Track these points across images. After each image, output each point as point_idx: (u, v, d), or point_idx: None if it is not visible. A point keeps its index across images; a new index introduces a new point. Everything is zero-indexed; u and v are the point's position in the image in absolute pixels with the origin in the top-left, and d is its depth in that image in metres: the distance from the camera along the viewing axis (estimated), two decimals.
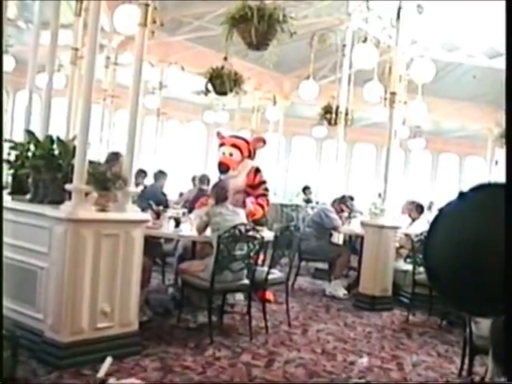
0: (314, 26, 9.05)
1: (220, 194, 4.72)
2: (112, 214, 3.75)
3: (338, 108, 8.88)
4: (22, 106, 5.46)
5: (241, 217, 4.70)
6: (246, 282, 4.56)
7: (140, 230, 3.90)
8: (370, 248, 6.12)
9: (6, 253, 3.47)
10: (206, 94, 7.24)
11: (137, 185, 6.69)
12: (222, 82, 6.89)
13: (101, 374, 3.23)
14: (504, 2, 2.08)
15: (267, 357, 4.13)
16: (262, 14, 4.64)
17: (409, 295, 5.85)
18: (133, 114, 3.95)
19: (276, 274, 5.11)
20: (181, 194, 9.30)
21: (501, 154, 11.52)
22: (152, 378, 3.49)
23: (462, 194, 1.81)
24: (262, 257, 4.92)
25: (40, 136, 4.27)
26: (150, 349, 3.97)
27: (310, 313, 5.68)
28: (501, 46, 10.05)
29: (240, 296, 5.42)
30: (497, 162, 12.76)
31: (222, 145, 5.97)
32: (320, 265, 7.85)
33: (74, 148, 3.75)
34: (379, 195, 6.62)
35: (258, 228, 4.72)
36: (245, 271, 4.53)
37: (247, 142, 6.01)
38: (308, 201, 11.78)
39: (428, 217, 6.94)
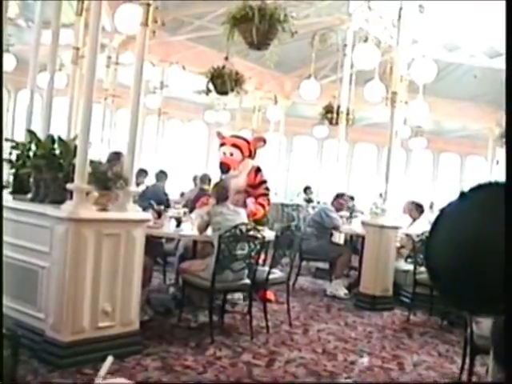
0: (315, 25, 9.05)
1: (221, 194, 4.73)
2: (113, 213, 3.76)
3: (339, 108, 8.89)
4: (24, 105, 5.46)
5: (242, 216, 4.71)
6: (247, 281, 4.56)
7: (141, 230, 3.90)
8: (371, 248, 6.12)
9: (7, 252, 3.49)
10: (207, 94, 7.24)
11: (138, 184, 6.71)
12: (223, 81, 6.89)
13: (102, 373, 3.23)
14: (504, 2, 2.08)
15: (268, 356, 4.13)
16: (263, 13, 4.65)
17: (409, 295, 5.84)
18: (134, 114, 3.96)
19: (277, 273, 5.10)
20: (182, 194, 9.31)
21: (501, 153, 11.52)
22: (153, 377, 3.50)
23: (462, 194, 1.81)
24: (262, 256, 4.92)
25: (41, 135, 4.28)
26: (151, 348, 3.97)
27: (311, 312, 5.67)
28: (501, 45, 10.04)
29: (239, 296, 5.42)
30: (498, 162, 12.76)
31: (222, 145, 5.98)
32: (321, 264, 7.85)
33: (75, 147, 3.76)
34: (380, 195, 6.61)
35: (259, 228, 4.72)
36: (246, 271, 4.53)
37: (247, 142, 6.01)
38: (309, 200, 11.76)
39: (429, 217, 6.93)
